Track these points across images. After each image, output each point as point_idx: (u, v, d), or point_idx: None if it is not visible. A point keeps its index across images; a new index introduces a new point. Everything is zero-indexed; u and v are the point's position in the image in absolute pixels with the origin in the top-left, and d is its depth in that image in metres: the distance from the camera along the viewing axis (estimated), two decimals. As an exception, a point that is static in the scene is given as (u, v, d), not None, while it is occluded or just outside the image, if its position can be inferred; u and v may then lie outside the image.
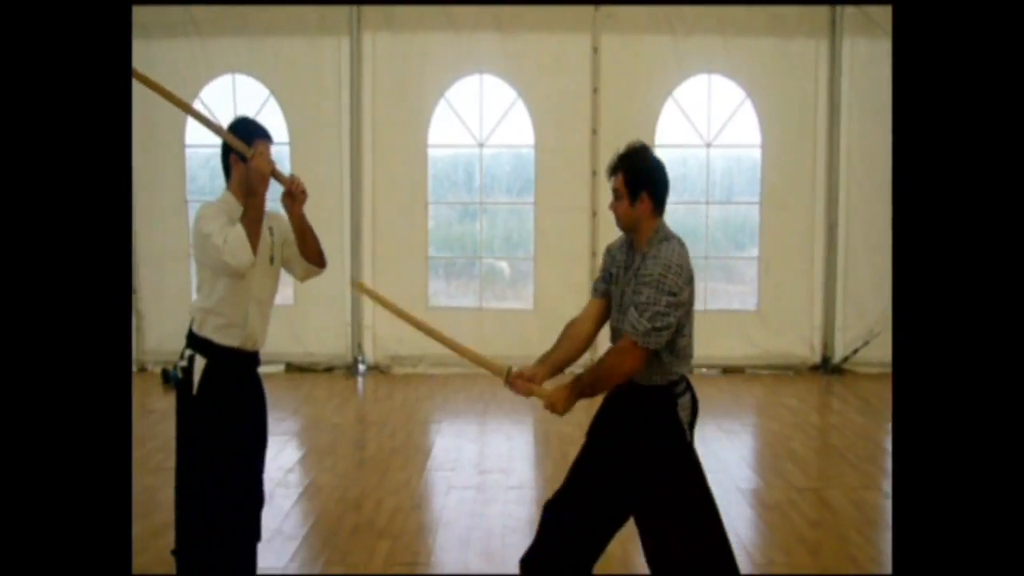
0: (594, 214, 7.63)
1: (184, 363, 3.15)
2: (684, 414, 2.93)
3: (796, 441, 5.85)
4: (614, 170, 2.93)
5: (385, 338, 7.77)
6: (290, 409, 6.59)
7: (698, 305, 8.64)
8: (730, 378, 7.66)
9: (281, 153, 7.81)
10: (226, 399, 3.17)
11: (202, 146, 7.84)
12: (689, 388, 2.96)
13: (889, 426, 6.37)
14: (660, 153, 8.36)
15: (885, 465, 5.45)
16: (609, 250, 3.13)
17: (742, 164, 7.97)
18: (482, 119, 7.74)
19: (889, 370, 7.53)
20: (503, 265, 8.45)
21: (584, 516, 3.02)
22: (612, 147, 8.70)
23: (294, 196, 3.19)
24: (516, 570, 3.88)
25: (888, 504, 4.79)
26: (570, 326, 3.26)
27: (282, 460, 5.39)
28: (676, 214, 8.00)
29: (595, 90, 7.61)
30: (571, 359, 3.26)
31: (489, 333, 7.69)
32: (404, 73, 7.62)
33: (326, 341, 7.77)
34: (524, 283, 8.12)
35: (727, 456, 5.55)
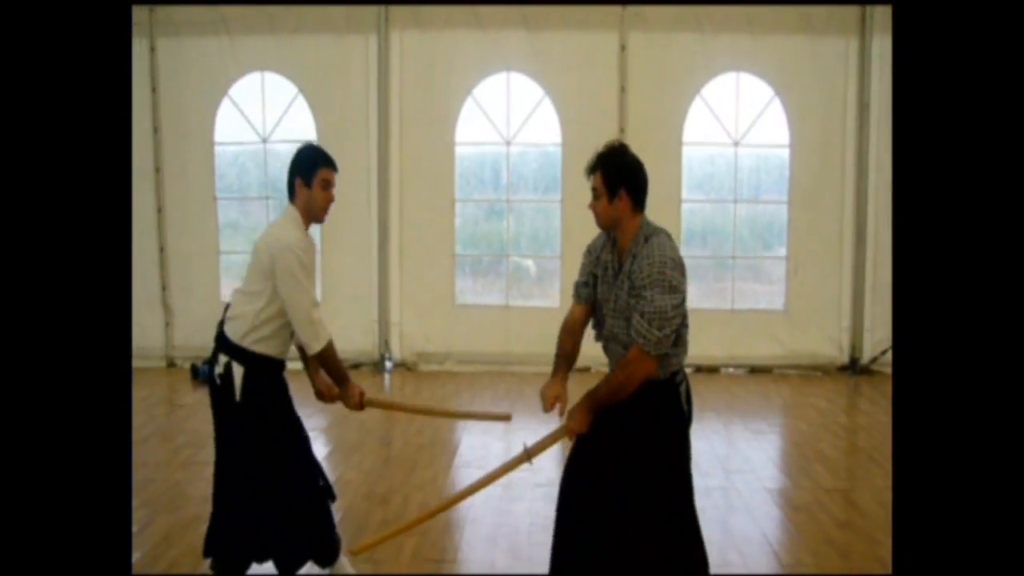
0: (621, 212, 7.61)
1: (220, 369, 3.26)
2: (684, 404, 3.01)
3: (824, 442, 5.80)
4: (592, 169, 2.95)
5: (412, 335, 7.81)
6: (318, 406, 6.58)
7: (725, 304, 8.64)
8: (757, 378, 7.61)
9: (310, 151, 7.86)
10: (270, 402, 3.31)
11: (230, 143, 7.91)
12: (685, 377, 3.04)
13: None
14: (688, 151, 8.38)
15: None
16: (591, 251, 3.14)
17: (770, 163, 7.91)
18: (509, 117, 7.75)
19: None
20: (529, 263, 8.44)
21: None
22: (640, 145, 8.71)
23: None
24: (541, 568, 3.90)
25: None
26: (565, 333, 3.30)
27: (310, 456, 5.43)
28: (704, 212, 8.00)
29: (622, 89, 7.58)
30: (572, 365, 3.34)
31: (515, 331, 7.70)
32: (431, 71, 7.64)
33: (353, 338, 7.80)
34: (550, 281, 8.12)
35: (755, 456, 5.52)
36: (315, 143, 3.49)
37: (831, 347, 7.74)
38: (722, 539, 4.23)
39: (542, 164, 8.04)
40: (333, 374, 3.48)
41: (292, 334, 3.38)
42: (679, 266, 2.86)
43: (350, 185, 7.71)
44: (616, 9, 7.50)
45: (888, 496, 4.79)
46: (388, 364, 7.77)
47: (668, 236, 2.93)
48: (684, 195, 7.69)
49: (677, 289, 2.81)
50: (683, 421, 3.04)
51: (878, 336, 7.75)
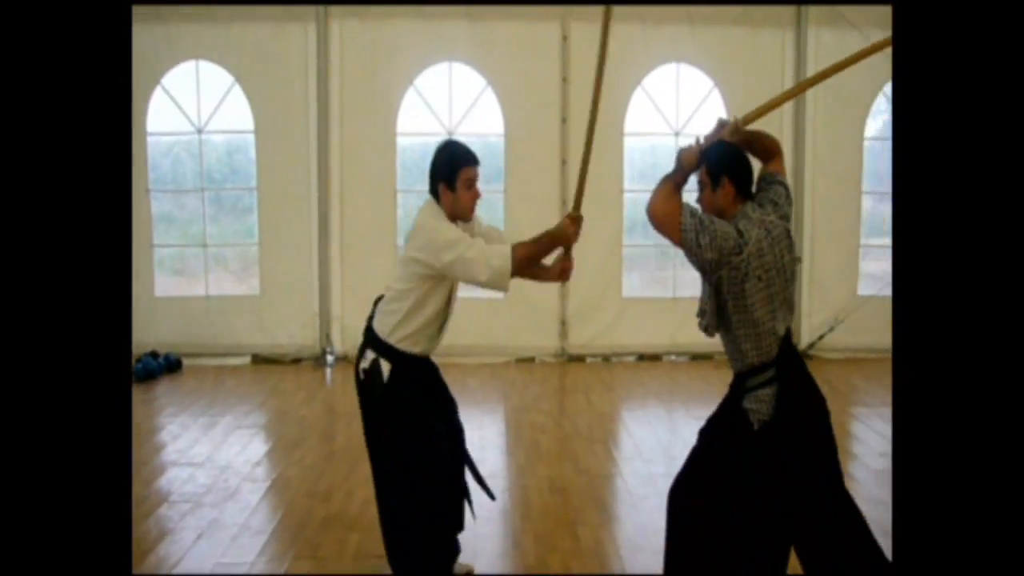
0: (564, 202, 7.61)
1: (367, 365, 3.27)
2: (760, 406, 2.82)
3: (764, 428, 5.90)
4: (699, 164, 2.94)
5: (354, 328, 7.63)
6: (257, 402, 6.52)
7: (667, 293, 8.70)
8: (699, 364, 7.70)
9: (246, 141, 7.70)
10: (415, 397, 3.30)
11: (163, 134, 7.70)
12: (775, 379, 2.81)
13: (852, 409, 6.46)
14: (629, 141, 8.41)
15: (847, 446, 5.52)
16: None
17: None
18: (451, 107, 7.69)
19: (852, 355, 7.74)
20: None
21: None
22: (582, 135, 8.69)
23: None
24: (485, 559, 3.89)
25: (854, 487, 4.84)
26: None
27: (249, 453, 5.33)
28: (645, 202, 8.03)
29: (564, 79, 7.59)
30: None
31: (459, 322, 7.62)
32: (372, 61, 7.54)
33: (294, 332, 7.69)
34: (494, 272, 8.09)
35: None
36: (453, 140, 3.42)
37: (771, 334, 7.87)
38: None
39: (485, 154, 7.87)
40: (542, 254, 3.37)
41: (440, 331, 3.38)
42: (725, 235, 2.74)
43: (289, 177, 7.59)
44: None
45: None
46: (330, 358, 7.66)
47: (754, 224, 2.79)
48: (626, 185, 7.74)
49: (710, 235, 2.73)
50: (742, 427, 2.85)
51: (815, 321, 7.92)
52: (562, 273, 3.47)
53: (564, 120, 7.57)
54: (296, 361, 7.66)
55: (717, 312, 2.86)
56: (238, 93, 7.54)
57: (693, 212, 2.80)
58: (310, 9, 7.40)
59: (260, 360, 7.67)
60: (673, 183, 2.89)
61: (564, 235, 3.34)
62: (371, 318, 3.38)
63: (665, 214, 2.80)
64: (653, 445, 5.52)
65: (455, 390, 6.76)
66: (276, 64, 7.52)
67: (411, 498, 3.29)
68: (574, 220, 3.36)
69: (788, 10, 7.67)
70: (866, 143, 8.01)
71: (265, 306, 7.69)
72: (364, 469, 5.03)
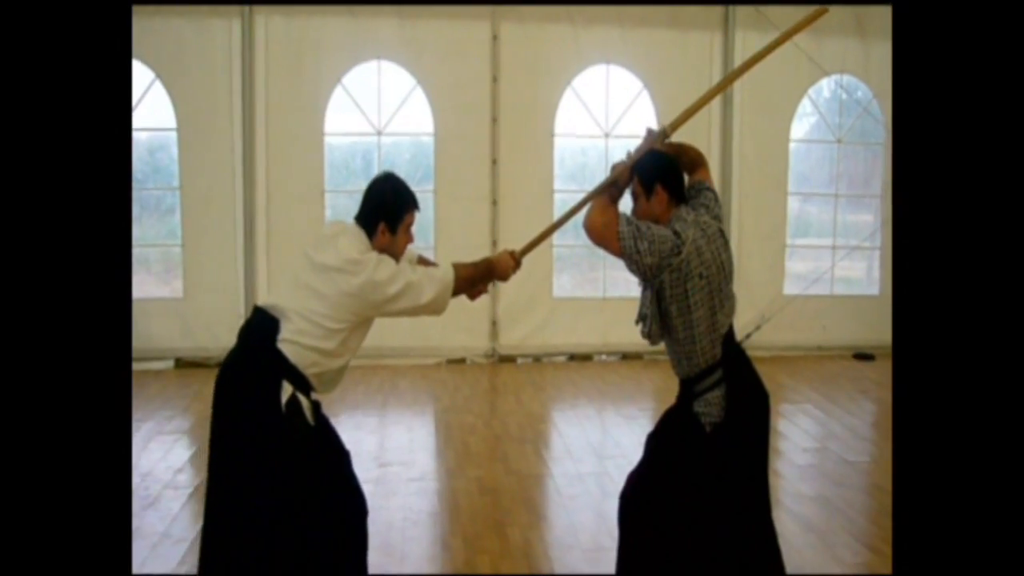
0: (494, 202, 7.61)
1: (286, 398, 2.83)
2: (711, 408, 2.86)
3: (693, 425, 5.97)
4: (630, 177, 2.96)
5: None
6: (180, 407, 6.33)
7: (598, 292, 8.73)
8: (630, 364, 7.77)
9: (168, 139, 7.49)
10: (315, 433, 2.98)
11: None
12: (722, 380, 2.87)
13: (778, 406, 6.59)
14: (559, 142, 8.41)
15: (775, 444, 5.61)
16: None
17: (640, 154, 8.07)
18: (380, 106, 7.60)
19: (778, 353, 7.89)
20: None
21: None
22: (512, 135, 8.71)
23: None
24: (414, 564, 3.84)
25: (778, 481, 4.94)
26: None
27: (171, 460, 5.18)
28: (574, 201, 8.07)
29: (494, 79, 7.57)
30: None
31: (388, 324, 7.54)
32: (299, 58, 7.40)
33: (218, 334, 7.46)
34: (425, 273, 8.03)
35: (626, 441, 5.60)
36: (396, 177, 3.09)
37: (699, 333, 7.98)
38: (595, 524, 4.28)
39: (415, 154, 7.94)
40: (479, 281, 3.25)
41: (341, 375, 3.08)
42: (663, 238, 2.78)
43: (213, 176, 7.40)
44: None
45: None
46: (257, 361, 7.48)
47: (689, 225, 2.84)
48: (556, 185, 7.75)
49: (646, 242, 2.76)
50: (693, 429, 2.89)
51: (743, 320, 8.00)
52: (474, 295, 3.31)
53: (494, 120, 7.55)
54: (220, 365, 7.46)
55: (660, 318, 2.87)
56: (159, 90, 7.32)
57: (629, 220, 2.82)
58: (234, 5, 7.23)
59: (184, 364, 7.46)
60: (608, 197, 2.91)
61: (502, 269, 3.27)
62: (265, 337, 2.89)
63: (603, 226, 2.81)
64: (583, 445, 5.53)
65: (385, 394, 6.75)
66: (199, 61, 7.32)
67: (293, 554, 2.87)
68: (517, 261, 3.30)
69: (716, 13, 7.80)
70: (792, 145, 8.19)
71: (189, 309, 7.48)
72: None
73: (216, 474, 2.97)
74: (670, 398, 6.95)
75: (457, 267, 3.09)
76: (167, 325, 7.43)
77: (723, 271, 2.87)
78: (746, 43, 7.78)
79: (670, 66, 7.80)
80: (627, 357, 7.87)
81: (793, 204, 8.37)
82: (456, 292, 3.08)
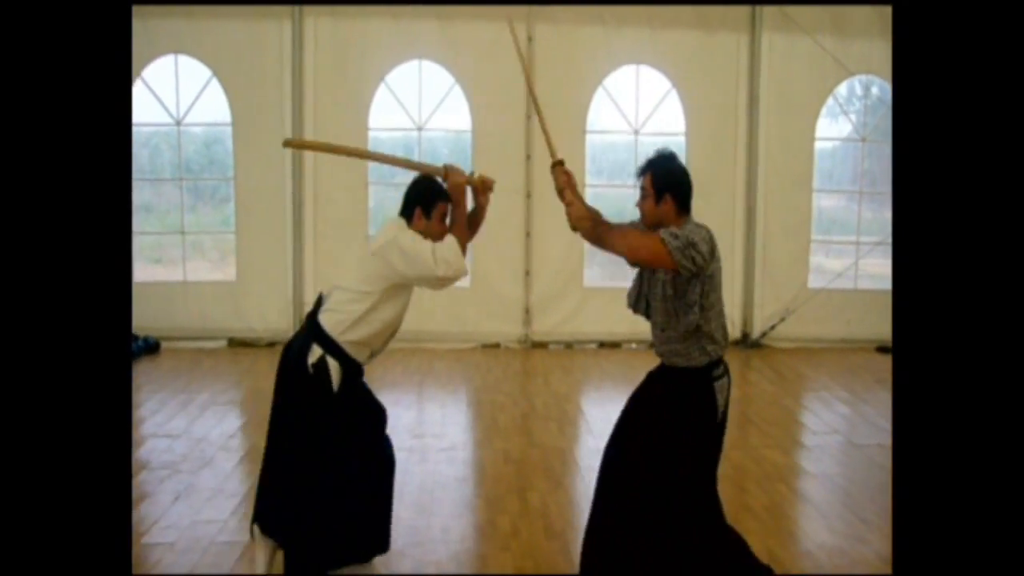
0: (528, 196, 7.98)
1: (314, 360, 3.26)
2: (720, 397, 3.11)
3: (709, 408, 6.30)
4: (644, 170, 3.13)
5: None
6: (232, 381, 6.83)
7: (627, 283, 9.03)
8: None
9: (224, 133, 8.00)
10: (355, 396, 3.42)
11: (143, 125, 7.96)
12: (726, 372, 3.14)
13: (801, 395, 6.87)
14: (591, 139, 8.73)
15: (788, 428, 5.93)
16: None
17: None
18: (421, 103, 8.03)
19: (802, 345, 8.16)
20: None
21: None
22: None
23: (483, 190, 3.57)
24: (440, 520, 4.24)
25: (784, 460, 5.25)
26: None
27: (224, 427, 5.65)
28: (607, 196, 8.43)
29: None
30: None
31: (427, 309, 7.99)
32: (345, 58, 7.86)
33: (268, 317, 8.00)
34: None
35: (645, 421, 5.95)
36: (424, 180, 3.54)
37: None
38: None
39: (453, 149, 8.36)
40: (462, 213, 3.49)
41: (382, 346, 3.47)
42: (705, 239, 2.96)
43: (264, 168, 7.89)
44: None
45: (760, 453, 5.30)
46: (303, 342, 7.97)
47: (700, 227, 3.04)
48: (588, 180, 8.11)
49: (696, 244, 2.92)
50: (710, 414, 3.11)
51: (767, 312, 8.33)
52: (483, 189, 3.58)
53: (529, 117, 7.92)
54: (271, 345, 7.95)
55: (675, 313, 3.04)
56: (216, 87, 7.83)
57: (672, 235, 2.93)
58: (286, 7, 7.71)
59: (236, 343, 7.97)
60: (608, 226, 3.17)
61: (452, 187, 3.46)
62: (315, 312, 3.40)
63: (651, 252, 2.97)
64: (604, 423, 5.78)
65: (423, 374, 7.17)
66: (253, 59, 7.81)
67: (327, 499, 3.30)
68: (449, 170, 3.51)
69: (743, 14, 8.07)
70: (817, 144, 8.42)
71: (241, 292, 7.99)
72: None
73: (270, 425, 3.47)
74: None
75: (454, 235, 3.38)
76: (221, 307, 7.96)
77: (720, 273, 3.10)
78: (772, 45, 8.07)
79: (698, 66, 8.09)
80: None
81: (818, 201, 8.60)
82: (465, 241, 3.38)
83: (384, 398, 6.33)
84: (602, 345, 8.23)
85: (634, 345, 8.24)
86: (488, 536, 4.10)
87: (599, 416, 6.10)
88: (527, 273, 8.14)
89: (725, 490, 4.62)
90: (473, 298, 8.04)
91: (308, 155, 7.90)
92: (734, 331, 8.28)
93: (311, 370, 3.28)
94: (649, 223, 3.13)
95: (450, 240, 3.36)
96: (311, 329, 3.33)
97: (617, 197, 8.33)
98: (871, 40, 8.14)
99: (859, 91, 8.77)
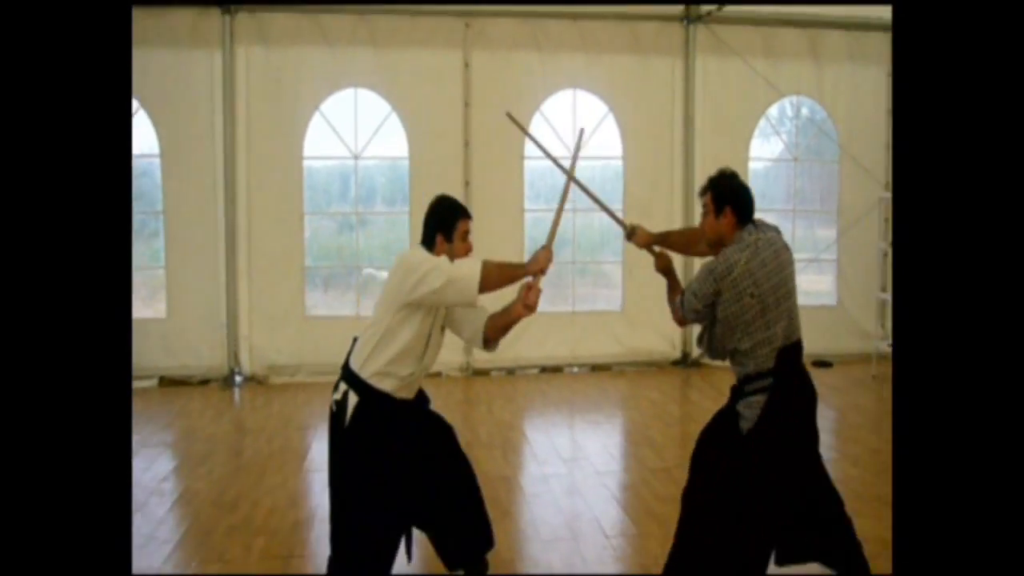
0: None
1: (339, 396, 3.27)
2: (749, 412, 3.13)
3: (654, 429, 6.28)
4: (705, 189, 3.29)
5: (262, 348, 7.81)
6: (163, 423, 6.57)
7: (567, 307, 8.99)
8: (598, 375, 8.07)
9: (152, 165, 7.78)
10: (377, 433, 3.27)
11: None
12: (768, 389, 3.10)
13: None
14: (528, 164, 8.70)
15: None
16: None
17: (606, 173, 8.43)
18: (357, 132, 7.93)
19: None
20: (385, 275, 8.62)
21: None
22: (484, 158, 9.05)
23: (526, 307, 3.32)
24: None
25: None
26: (693, 232, 3.81)
27: (156, 470, 5.42)
28: (546, 221, 8.39)
29: (467, 104, 7.91)
30: (676, 248, 3.90)
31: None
32: (278, 87, 7.71)
33: (201, 354, 7.75)
34: (401, 291, 8.30)
35: (590, 445, 5.91)
36: (446, 195, 3.51)
37: (664, 343, 8.30)
38: (555, 518, 4.57)
39: (391, 177, 8.26)
40: (508, 272, 3.29)
41: (416, 371, 3.33)
42: (716, 273, 3.12)
43: (195, 200, 7.69)
44: (459, 27, 7.82)
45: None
46: (238, 378, 7.75)
47: (745, 248, 3.12)
48: (527, 205, 8.09)
49: (700, 289, 3.17)
50: (732, 430, 3.19)
51: (707, 333, 8.37)
52: (527, 302, 3.32)
53: (467, 144, 7.88)
54: (204, 382, 7.72)
55: (721, 336, 3.20)
56: (143, 118, 7.61)
57: (682, 302, 3.29)
58: (215, 35, 7.54)
59: (167, 382, 7.70)
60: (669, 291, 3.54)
61: (534, 262, 3.33)
62: (349, 354, 3.37)
63: (677, 317, 3.43)
64: (549, 449, 5.81)
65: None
66: (182, 90, 7.62)
67: (355, 538, 3.33)
68: (548, 251, 3.40)
69: (677, 38, 8.17)
70: (751, 164, 8.55)
71: (172, 329, 7.73)
72: (272, 479, 5.21)
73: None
74: (634, 404, 7.28)
75: (487, 261, 3.22)
76: (151, 344, 7.67)
77: (780, 289, 3.11)
78: (706, 68, 8.19)
79: (634, 90, 8.17)
80: (596, 368, 8.17)
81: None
82: (484, 282, 3.14)
83: (324, 432, 6.22)
84: (543, 370, 8.17)
85: (576, 368, 8.21)
86: (435, 569, 3.96)
87: (543, 442, 6.02)
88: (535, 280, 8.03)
89: (671, 512, 4.59)
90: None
91: (241, 185, 7.71)
92: (674, 351, 8.31)
93: (334, 407, 3.29)
94: (711, 240, 3.28)
95: (475, 266, 3.17)
96: (342, 370, 3.34)
97: (556, 222, 8.32)
98: (800, 62, 8.33)
99: (790, 112, 8.94)
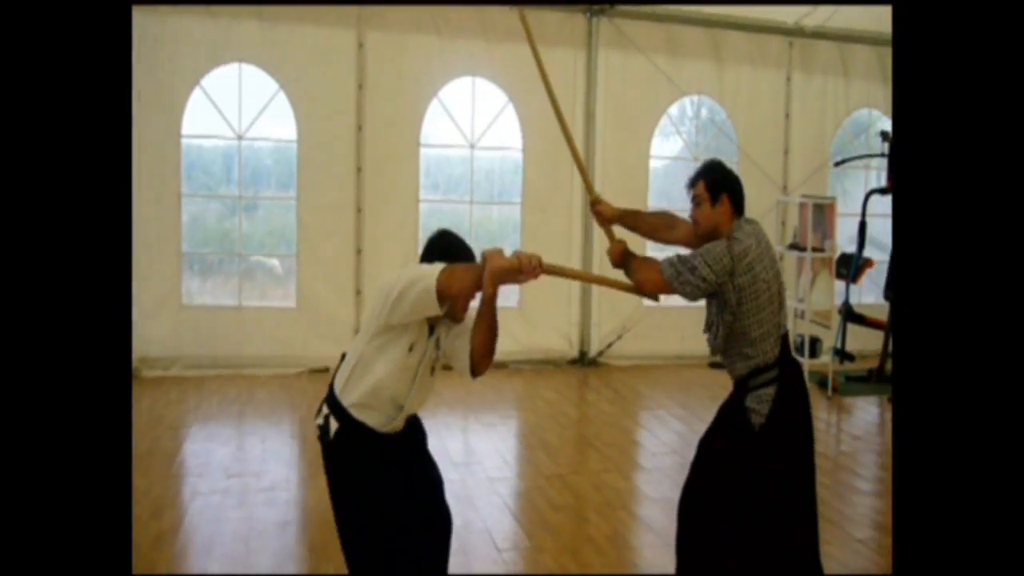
0: (359, 210, 7.56)
1: (320, 421, 3.01)
2: (761, 406, 3.06)
3: (549, 431, 6.10)
4: (695, 180, 3.18)
5: (134, 339, 7.24)
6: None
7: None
8: (493, 373, 7.77)
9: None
10: (360, 459, 3.00)
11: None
12: (774, 380, 3.06)
13: (638, 414, 6.80)
14: (425, 152, 8.42)
15: (627, 450, 5.81)
16: None
17: (505, 165, 8.21)
18: (241, 110, 7.43)
19: (637, 362, 8.14)
20: (274, 262, 8.17)
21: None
22: (377, 144, 8.64)
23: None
24: (262, 571, 3.77)
25: (624, 484, 5.11)
26: (668, 216, 3.53)
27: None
28: (441, 212, 8.13)
29: (360, 86, 7.53)
30: (643, 231, 3.59)
31: (248, 332, 7.41)
32: (155, 57, 7.11)
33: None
34: (287, 280, 7.89)
35: (482, 448, 5.68)
36: (449, 232, 3.12)
37: (562, 342, 8.15)
38: (444, 530, 4.31)
39: (277, 160, 7.82)
40: (465, 274, 2.84)
41: (397, 407, 2.99)
42: (733, 252, 3.00)
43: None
44: (353, 6, 7.43)
45: (601, 478, 5.13)
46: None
47: (750, 235, 3.06)
48: (422, 195, 7.77)
49: (709, 264, 2.98)
50: (743, 427, 3.09)
51: (604, 330, 8.27)
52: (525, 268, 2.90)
53: (360, 128, 7.51)
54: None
55: (729, 322, 3.05)
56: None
57: (671, 262, 3.06)
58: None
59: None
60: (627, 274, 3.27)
61: (492, 262, 2.83)
62: (335, 373, 3.09)
63: (653, 283, 3.12)
64: (441, 454, 5.50)
65: (242, 403, 6.58)
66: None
67: (366, 549, 3.06)
68: (540, 264, 2.95)
69: (580, 30, 8.01)
70: (652, 162, 8.49)
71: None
72: (134, 485, 4.74)
73: None
74: (530, 404, 7.10)
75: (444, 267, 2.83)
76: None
77: (778, 277, 3.11)
78: (608, 62, 8.06)
79: (535, 81, 7.88)
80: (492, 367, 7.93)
81: (653, 219, 8.66)
82: (441, 285, 2.73)
83: (196, 433, 5.82)
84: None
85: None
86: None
87: (435, 447, 5.72)
88: (358, 292, 7.68)
89: (565, 522, 4.45)
90: (299, 319, 7.52)
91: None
92: (572, 349, 8.18)
93: (317, 431, 3.05)
94: (704, 230, 3.15)
95: (433, 270, 2.78)
96: (328, 388, 3.08)
97: (452, 212, 8.05)
98: (703, 61, 8.31)
99: (690, 111, 8.93)
